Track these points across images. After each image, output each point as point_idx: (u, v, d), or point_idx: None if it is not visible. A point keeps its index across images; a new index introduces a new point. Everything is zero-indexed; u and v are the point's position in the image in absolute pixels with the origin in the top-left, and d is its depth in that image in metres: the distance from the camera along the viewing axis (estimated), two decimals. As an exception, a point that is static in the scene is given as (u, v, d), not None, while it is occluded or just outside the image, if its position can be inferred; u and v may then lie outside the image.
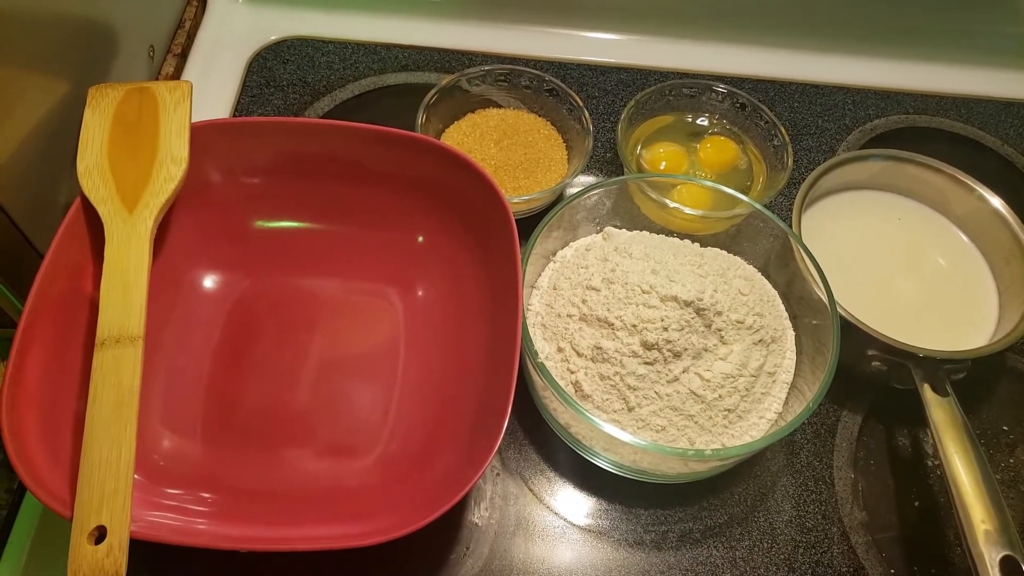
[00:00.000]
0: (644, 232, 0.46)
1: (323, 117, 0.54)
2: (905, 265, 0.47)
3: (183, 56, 0.57)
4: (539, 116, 0.52)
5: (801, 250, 0.41)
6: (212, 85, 0.55)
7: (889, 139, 0.56)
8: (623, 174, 0.49)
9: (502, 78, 0.51)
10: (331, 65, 0.57)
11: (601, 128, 0.55)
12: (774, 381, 0.40)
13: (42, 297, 0.34)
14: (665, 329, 0.37)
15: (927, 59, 0.60)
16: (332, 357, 0.42)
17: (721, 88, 0.51)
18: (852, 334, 0.41)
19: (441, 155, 0.41)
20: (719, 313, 0.38)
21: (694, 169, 0.50)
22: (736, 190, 0.44)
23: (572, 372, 0.39)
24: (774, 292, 0.43)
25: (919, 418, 0.39)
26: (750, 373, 0.38)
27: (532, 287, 0.43)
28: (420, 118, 0.48)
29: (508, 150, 0.50)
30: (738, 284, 0.40)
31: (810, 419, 0.43)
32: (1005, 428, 0.45)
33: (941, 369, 0.40)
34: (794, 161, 0.49)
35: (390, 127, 0.41)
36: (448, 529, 0.39)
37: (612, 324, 0.38)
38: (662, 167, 0.50)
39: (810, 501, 0.41)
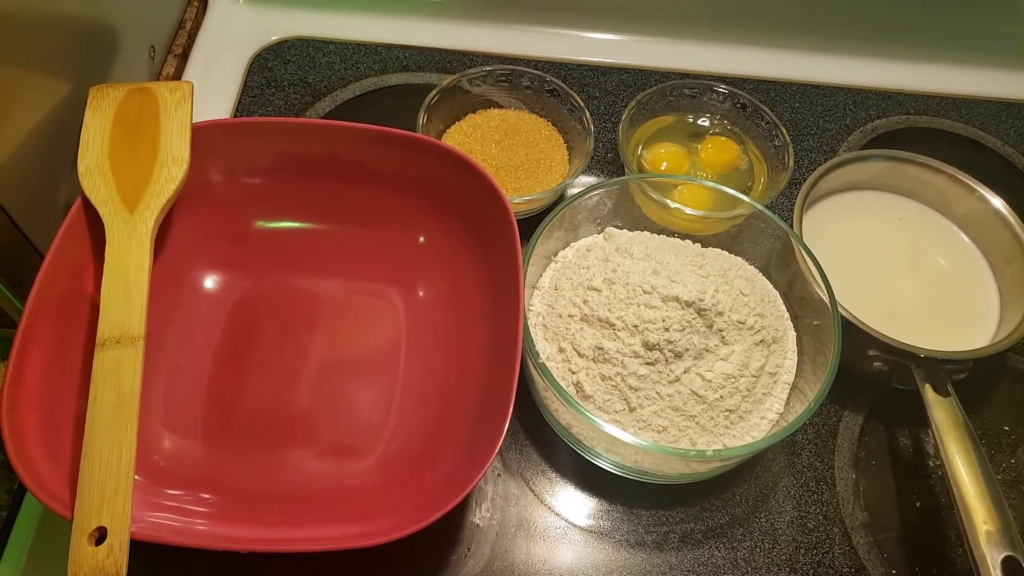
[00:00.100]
0: (645, 232, 0.46)
1: (324, 117, 0.54)
2: (906, 266, 0.47)
3: (184, 56, 0.57)
4: (540, 116, 0.52)
5: (802, 250, 0.41)
6: (213, 85, 0.55)
7: (890, 139, 0.56)
8: (624, 174, 0.49)
9: (503, 78, 0.51)
10: (332, 65, 0.57)
11: (602, 128, 0.55)
12: (775, 382, 0.40)
13: (42, 297, 0.34)
14: (666, 330, 0.37)
15: (928, 59, 0.60)
16: (333, 357, 0.42)
17: (722, 88, 0.51)
18: (853, 334, 0.41)
19: (442, 155, 0.41)
20: (720, 313, 0.38)
21: (695, 169, 0.50)
22: (737, 190, 0.44)
23: (573, 372, 0.39)
24: (775, 292, 0.43)
25: (920, 418, 0.39)
26: (751, 373, 0.38)
27: (533, 287, 0.43)
28: (421, 118, 0.48)
29: (509, 150, 0.50)
30: (739, 284, 0.40)
31: (811, 419, 0.43)
32: (1006, 428, 0.45)
33: (942, 369, 0.40)
34: (795, 161, 0.49)
35: (391, 127, 0.41)
36: (449, 530, 0.39)
37: (613, 324, 0.38)
38: (663, 167, 0.50)
39: (811, 502, 0.41)
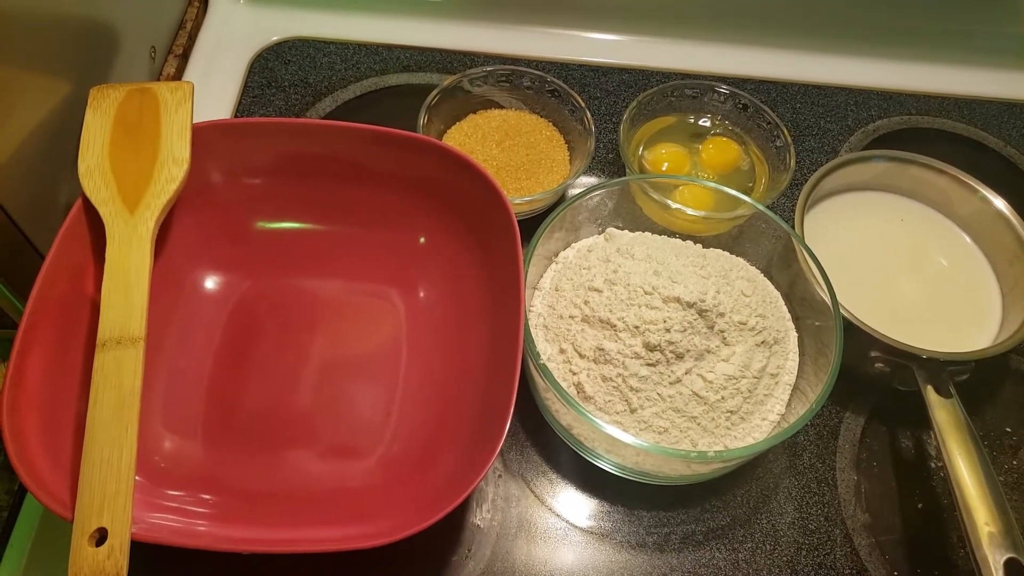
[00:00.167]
0: (646, 233, 0.45)
1: (325, 118, 0.54)
2: (908, 266, 0.47)
3: (184, 57, 0.57)
4: (541, 117, 0.52)
5: (804, 251, 0.41)
6: (213, 86, 0.55)
7: (892, 140, 0.56)
8: (625, 175, 0.49)
9: (504, 79, 0.51)
10: (333, 66, 0.57)
11: (603, 129, 0.54)
12: (777, 383, 0.40)
13: (43, 298, 0.34)
14: (667, 330, 0.37)
15: (930, 60, 0.60)
16: (334, 358, 0.42)
17: (723, 89, 0.51)
18: (855, 335, 0.40)
19: (443, 156, 0.41)
20: (721, 314, 0.38)
21: (696, 170, 0.50)
22: (738, 191, 0.44)
23: (574, 373, 0.39)
24: (777, 293, 0.43)
25: (922, 420, 0.39)
26: (753, 375, 0.38)
27: (534, 288, 0.43)
28: (422, 119, 0.48)
29: (510, 151, 0.49)
30: (740, 285, 0.40)
31: (813, 421, 0.43)
32: (1008, 430, 0.45)
33: (944, 371, 0.40)
34: (796, 162, 0.49)
35: (392, 128, 0.41)
36: (450, 531, 0.39)
37: (614, 325, 0.38)
38: (664, 168, 0.50)
39: (813, 503, 0.41)
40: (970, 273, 0.47)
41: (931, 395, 0.39)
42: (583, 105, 0.49)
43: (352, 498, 0.37)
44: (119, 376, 0.33)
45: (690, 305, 0.37)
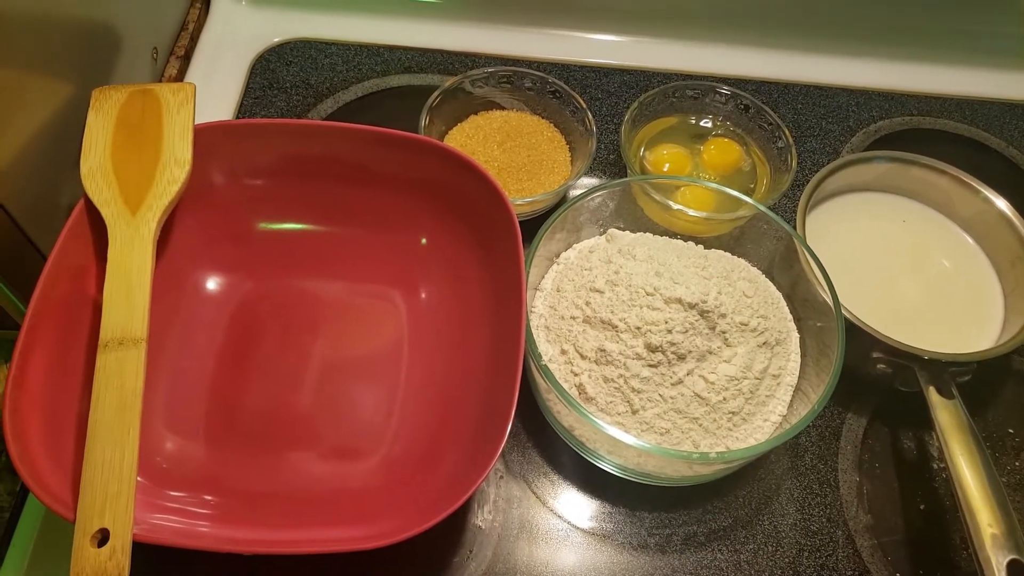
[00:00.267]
0: (647, 234, 0.45)
1: (326, 119, 0.54)
2: (910, 267, 0.47)
3: (186, 58, 0.57)
4: (542, 118, 0.52)
5: (805, 252, 0.41)
6: (215, 87, 0.55)
7: (893, 141, 0.56)
8: (626, 176, 0.49)
9: (505, 80, 0.51)
10: (334, 67, 0.57)
11: (604, 130, 0.54)
12: (778, 384, 0.40)
13: (45, 299, 0.34)
14: (669, 331, 0.37)
15: (931, 60, 0.60)
16: (335, 359, 0.42)
17: (725, 90, 0.51)
18: (857, 336, 0.40)
19: (444, 157, 0.41)
20: (723, 315, 0.38)
21: (698, 171, 0.50)
22: (740, 192, 0.44)
23: (576, 375, 0.39)
24: (778, 294, 0.43)
25: (924, 421, 0.39)
26: (754, 375, 0.38)
27: (535, 289, 0.43)
28: (423, 120, 0.48)
29: (511, 152, 0.50)
30: (742, 286, 0.40)
31: (814, 422, 0.43)
32: (1011, 431, 0.45)
33: (946, 371, 0.40)
34: (798, 163, 0.49)
35: (393, 129, 0.41)
36: (451, 532, 0.39)
37: (616, 326, 0.38)
38: (665, 169, 0.50)
39: (815, 504, 0.41)
40: (972, 274, 0.47)
41: (933, 396, 0.39)
42: (584, 106, 0.49)
43: (353, 499, 0.37)
44: (121, 377, 0.33)
45: (692, 306, 0.37)
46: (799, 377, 0.40)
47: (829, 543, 0.40)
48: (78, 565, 0.29)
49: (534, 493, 0.41)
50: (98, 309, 0.35)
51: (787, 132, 0.49)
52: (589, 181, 0.53)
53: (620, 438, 0.35)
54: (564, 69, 0.58)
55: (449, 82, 0.50)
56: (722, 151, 0.51)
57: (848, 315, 0.41)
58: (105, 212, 0.36)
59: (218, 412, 0.40)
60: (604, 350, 0.38)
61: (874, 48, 0.60)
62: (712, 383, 0.37)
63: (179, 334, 0.41)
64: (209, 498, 0.36)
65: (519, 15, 0.59)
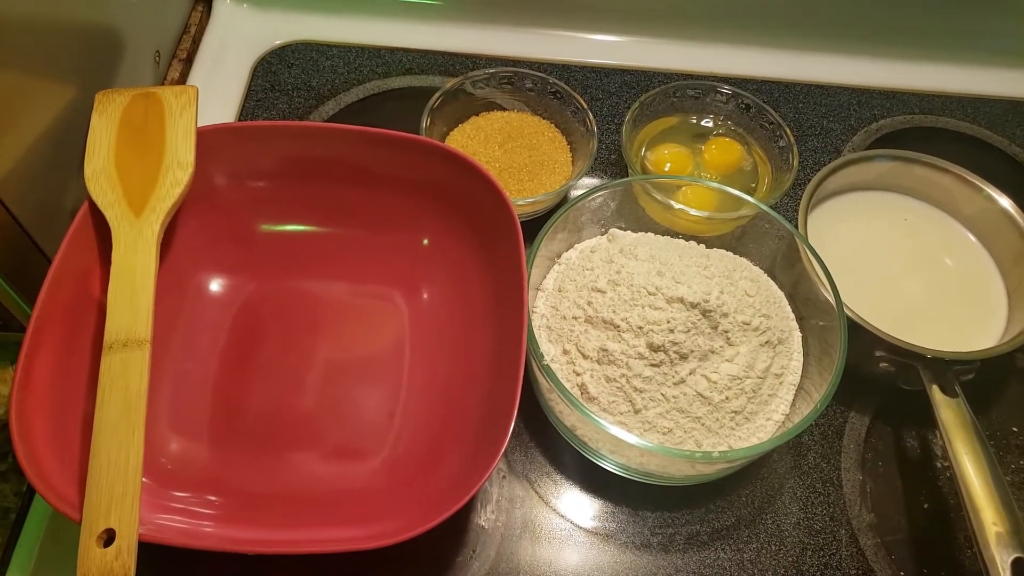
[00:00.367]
0: (649, 234, 0.46)
1: (328, 121, 0.54)
2: (912, 266, 0.47)
3: (188, 61, 0.57)
4: (543, 118, 0.52)
5: (807, 251, 0.41)
6: (217, 90, 0.55)
7: (895, 139, 0.56)
8: (627, 176, 0.49)
9: (506, 81, 0.51)
10: (335, 69, 0.57)
11: (605, 130, 0.55)
12: (781, 383, 0.40)
13: (50, 301, 0.34)
14: (671, 331, 0.37)
15: (933, 59, 0.60)
16: (338, 360, 0.42)
17: (726, 89, 0.51)
18: (859, 335, 0.40)
19: (446, 158, 0.41)
20: (725, 315, 0.38)
21: (699, 170, 0.50)
22: (741, 191, 0.44)
23: (578, 374, 0.39)
24: (780, 293, 0.43)
25: (927, 419, 0.39)
26: (757, 375, 0.38)
27: (537, 289, 0.43)
28: (424, 121, 0.48)
29: (512, 153, 0.50)
30: (744, 285, 0.40)
31: (817, 421, 0.43)
32: (1015, 429, 0.44)
33: (950, 370, 0.40)
34: (799, 162, 0.49)
35: (395, 130, 0.41)
36: (454, 532, 0.39)
37: (618, 326, 0.38)
38: (667, 168, 0.50)
39: (818, 503, 0.41)
40: (975, 272, 0.47)
41: (936, 395, 0.39)
42: (585, 106, 0.49)
43: (356, 499, 0.37)
44: (126, 378, 0.33)
45: (694, 305, 0.37)
46: (801, 376, 0.40)
47: (832, 542, 0.40)
48: (84, 565, 0.29)
49: (537, 493, 0.41)
50: (103, 311, 0.35)
51: (788, 131, 0.49)
52: (590, 181, 0.53)
53: (623, 438, 0.35)
54: (565, 69, 0.58)
55: (450, 83, 0.50)
56: (723, 150, 0.51)
57: (850, 314, 0.40)
58: (109, 214, 0.37)
59: (221, 413, 0.40)
60: (606, 350, 0.38)
61: (875, 47, 0.60)
62: (714, 382, 0.37)
63: (183, 335, 0.41)
64: (213, 499, 0.36)
65: (520, 16, 0.59)
